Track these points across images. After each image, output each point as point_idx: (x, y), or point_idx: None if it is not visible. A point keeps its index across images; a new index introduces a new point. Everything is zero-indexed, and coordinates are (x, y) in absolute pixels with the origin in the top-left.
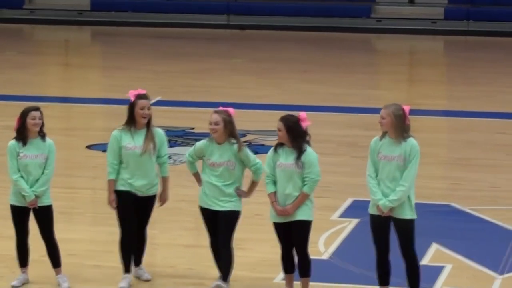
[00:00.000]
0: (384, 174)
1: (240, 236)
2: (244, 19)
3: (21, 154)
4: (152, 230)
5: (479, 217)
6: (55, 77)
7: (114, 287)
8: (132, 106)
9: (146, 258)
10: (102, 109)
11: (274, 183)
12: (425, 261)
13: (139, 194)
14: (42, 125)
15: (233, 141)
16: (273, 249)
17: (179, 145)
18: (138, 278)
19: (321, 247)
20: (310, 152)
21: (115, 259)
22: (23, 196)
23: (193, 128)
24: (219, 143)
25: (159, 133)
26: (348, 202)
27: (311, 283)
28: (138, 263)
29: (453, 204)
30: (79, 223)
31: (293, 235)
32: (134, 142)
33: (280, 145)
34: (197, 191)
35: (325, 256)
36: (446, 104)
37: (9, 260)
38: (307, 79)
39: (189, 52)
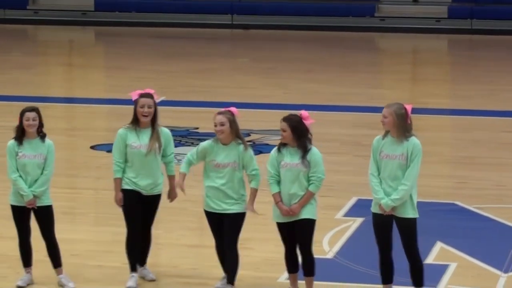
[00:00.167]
0: (386, 173)
1: (244, 235)
2: (248, 18)
3: (19, 154)
4: (156, 230)
5: (484, 215)
6: (59, 78)
7: (116, 287)
8: (135, 104)
9: (150, 258)
10: (105, 109)
11: (278, 183)
12: (429, 259)
13: (144, 193)
14: (41, 125)
15: (239, 141)
16: (277, 249)
17: (183, 145)
18: (143, 278)
19: (325, 246)
20: (315, 151)
21: (117, 259)
22: (22, 196)
23: (197, 128)
24: (225, 144)
25: (165, 132)
26: (352, 201)
27: (315, 282)
28: (142, 263)
29: (458, 202)
30: (82, 224)
31: (297, 234)
32: (139, 141)
33: (283, 144)
34: (202, 191)
35: (329, 255)
36: (450, 103)
37: (13, 260)
38: (310, 79)
39: (193, 52)
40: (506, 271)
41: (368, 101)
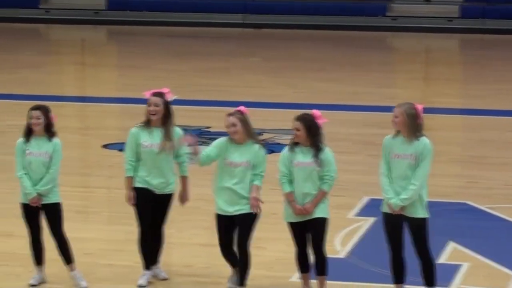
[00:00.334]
0: (396, 173)
1: (256, 235)
2: (260, 18)
3: (27, 152)
4: (169, 229)
5: (495, 215)
6: (71, 77)
7: (128, 286)
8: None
9: (162, 257)
10: (117, 108)
11: (290, 182)
12: (441, 259)
13: (156, 191)
14: (50, 124)
15: (254, 141)
16: (289, 248)
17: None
18: (155, 277)
19: (337, 245)
20: (327, 150)
21: (130, 258)
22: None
23: (209, 127)
24: (240, 144)
25: (178, 132)
26: (364, 200)
27: (327, 282)
28: (154, 262)
29: (469, 202)
30: (94, 222)
31: (310, 233)
32: (151, 140)
33: (295, 143)
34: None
35: (341, 255)
36: (462, 103)
37: (25, 259)
38: (322, 78)
39: (205, 51)
40: None
41: (379, 100)
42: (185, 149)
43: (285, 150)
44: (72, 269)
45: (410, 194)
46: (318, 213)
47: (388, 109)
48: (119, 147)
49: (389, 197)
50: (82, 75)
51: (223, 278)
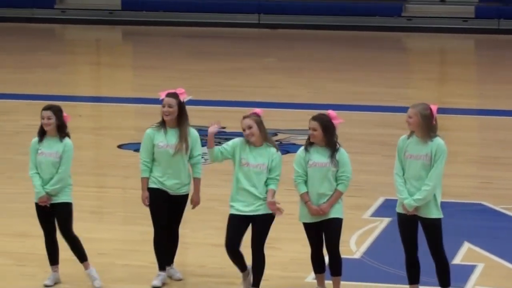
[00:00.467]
0: (410, 173)
1: (271, 235)
2: (275, 18)
3: (39, 151)
4: (183, 229)
5: (511, 216)
6: (86, 77)
7: (143, 286)
8: None
9: (177, 257)
10: (133, 109)
11: (305, 182)
12: (457, 260)
13: (170, 192)
14: (62, 124)
15: (269, 144)
16: (305, 248)
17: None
18: (170, 277)
19: (352, 246)
20: (342, 151)
21: (145, 258)
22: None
23: (224, 128)
24: (256, 146)
25: (192, 133)
26: (379, 201)
27: (342, 282)
28: (169, 262)
29: (485, 203)
30: (110, 223)
31: (325, 234)
32: (166, 140)
33: (310, 144)
34: (229, 190)
35: (356, 255)
36: (477, 103)
37: (41, 259)
38: (337, 78)
39: (220, 51)
40: None
41: (395, 101)
42: (200, 150)
43: (300, 150)
44: (86, 268)
45: (424, 195)
46: (333, 214)
47: (403, 109)
48: (134, 147)
49: (403, 197)
50: (97, 75)
51: (237, 278)
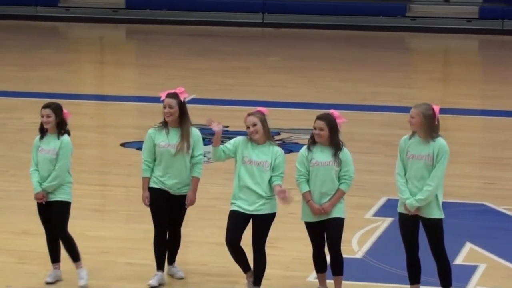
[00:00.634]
0: (412, 173)
1: (273, 234)
2: (279, 17)
3: (39, 149)
4: (186, 228)
5: None
6: (90, 75)
7: (146, 285)
8: None
9: (179, 256)
10: (136, 107)
11: (307, 181)
12: (458, 260)
13: (171, 192)
14: (62, 122)
15: (272, 142)
16: (306, 248)
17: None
18: (172, 276)
19: (354, 246)
20: (346, 150)
21: (148, 257)
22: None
23: (227, 127)
24: (258, 144)
25: (194, 133)
26: (382, 201)
27: (344, 282)
28: (171, 261)
29: (487, 203)
30: (113, 221)
31: (326, 233)
32: (168, 140)
33: (313, 143)
34: (231, 189)
35: (358, 255)
36: (480, 103)
37: (42, 257)
38: (341, 78)
39: (224, 50)
40: None
41: (398, 100)
42: (201, 150)
43: (303, 149)
44: (77, 267)
45: (426, 195)
46: (334, 213)
47: (407, 109)
48: (137, 145)
49: (405, 197)
50: (101, 73)
51: (240, 277)
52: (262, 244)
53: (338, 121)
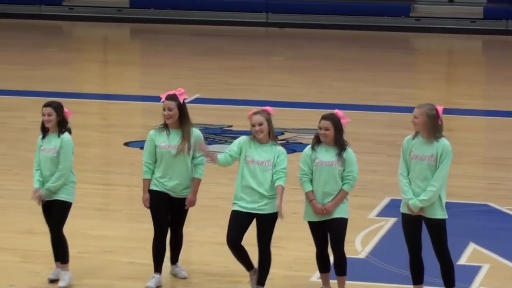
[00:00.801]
0: (415, 174)
1: (276, 234)
2: (283, 17)
3: (41, 148)
4: (188, 228)
5: None
6: (94, 74)
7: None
8: None
9: (182, 255)
10: (140, 106)
11: (311, 181)
12: (462, 260)
13: (172, 194)
14: (63, 121)
15: (274, 142)
16: (310, 248)
17: (216, 142)
18: (175, 276)
19: (358, 246)
20: (350, 150)
21: (150, 256)
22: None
23: (231, 126)
24: (261, 143)
25: (196, 134)
26: (385, 201)
27: (347, 282)
28: (174, 261)
29: (490, 203)
30: (116, 220)
31: (330, 233)
32: (168, 141)
33: (317, 143)
34: (233, 189)
35: (362, 255)
36: (484, 104)
37: (46, 256)
38: (345, 78)
39: (228, 49)
40: None
41: (402, 101)
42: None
43: (307, 148)
44: (63, 269)
45: (430, 195)
46: (338, 213)
47: (410, 109)
48: (141, 145)
49: (408, 198)
50: (105, 72)
51: (242, 277)
52: (267, 243)
53: (342, 121)
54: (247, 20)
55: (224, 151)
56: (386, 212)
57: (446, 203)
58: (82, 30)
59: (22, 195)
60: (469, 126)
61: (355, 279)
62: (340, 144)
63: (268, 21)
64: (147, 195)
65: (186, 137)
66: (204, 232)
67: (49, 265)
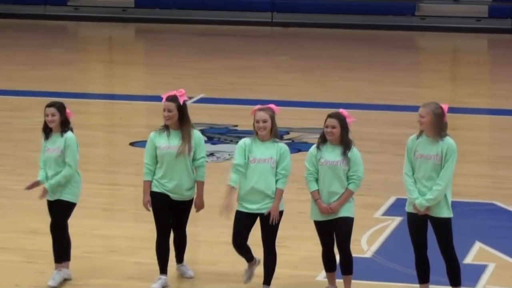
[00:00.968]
0: (421, 173)
1: (282, 234)
2: (288, 16)
3: (46, 149)
4: (195, 228)
5: None
6: (99, 74)
7: None
8: None
9: (189, 255)
10: (145, 106)
11: (316, 180)
12: (468, 259)
13: (172, 196)
14: (65, 120)
15: (276, 140)
16: (316, 247)
17: (222, 142)
18: (181, 275)
19: (363, 245)
20: (355, 150)
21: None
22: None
23: (236, 126)
24: (263, 141)
25: (196, 135)
26: (391, 200)
27: (353, 281)
28: (180, 260)
29: (496, 202)
30: (121, 220)
31: (335, 233)
32: (169, 142)
33: (323, 142)
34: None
35: (367, 254)
36: (489, 102)
37: (51, 256)
38: (350, 77)
39: (233, 49)
40: None
41: (407, 100)
42: (203, 153)
43: (312, 148)
44: (57, 268)
45: (436, 195)
46: (343, 213)
47: (415, 108)
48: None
49: (414, 197)
50: (109, 72)
51: None
52: (272, 242)
53: (347, 120)
54: (252, 19)
55: (232, 166)
56: (391, 211)
57: (452, 202)
58: (87, 30)
59: (27, 195)
60: (474, 125)
61: (361, 278)
62: (345, 143)
63: (273, 20)
64: (148, 197)
65: (186, 138)
66: (211, 232)
67: (53, 265)
